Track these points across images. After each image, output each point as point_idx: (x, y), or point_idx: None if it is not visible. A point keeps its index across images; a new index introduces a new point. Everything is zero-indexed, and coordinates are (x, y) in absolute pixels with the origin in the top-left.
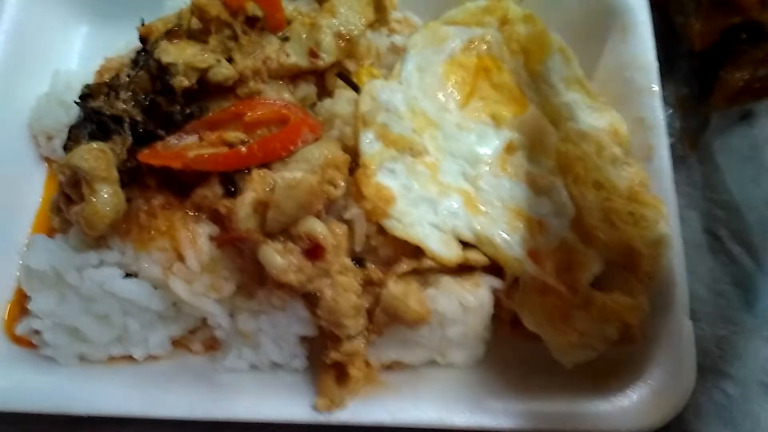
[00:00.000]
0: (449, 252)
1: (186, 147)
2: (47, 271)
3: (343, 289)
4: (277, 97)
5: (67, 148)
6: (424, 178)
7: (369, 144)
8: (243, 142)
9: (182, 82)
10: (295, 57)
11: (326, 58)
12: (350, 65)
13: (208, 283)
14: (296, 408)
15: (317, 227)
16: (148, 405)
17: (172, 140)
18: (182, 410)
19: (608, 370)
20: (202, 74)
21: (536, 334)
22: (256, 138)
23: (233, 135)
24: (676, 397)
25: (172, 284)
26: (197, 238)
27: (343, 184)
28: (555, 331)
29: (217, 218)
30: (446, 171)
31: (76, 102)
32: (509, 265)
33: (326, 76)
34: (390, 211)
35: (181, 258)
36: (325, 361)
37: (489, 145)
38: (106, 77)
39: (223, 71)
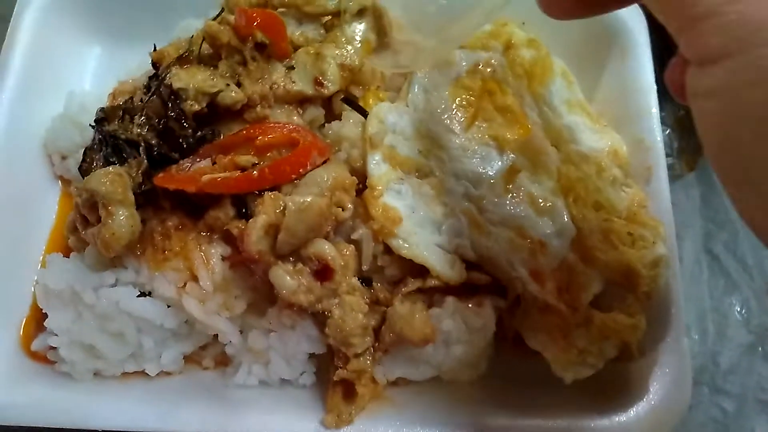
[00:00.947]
0: (453, 272)
1: (200, 171)
2: (64, 290)
3: (350, 309)
4: (287, 120)
5: (82, 169)
6: (429, 199)
7: (376, 165)
8: (254, 165)
9: (192, 106)
10: (300, 84)
11: (331, 87)
12: (356, 91)
13: (220, 302)
14: (305, 424)
15: (326, 249)
16: (162, 420)
17: (186, 164)
18: (195, 425)
19: (607, 387)
20: (212, 98)
21: (537, 351)
22: (267, 161)
23: (245, 158)
24: (674, 413)
25: (185, 303)
26: (210, 258)
27: (350, 206)
28: (555, 349)
29: (230, 239)
30: (451, 192)
31: (91, 125)
32: (511, 284)
33: (333, 100)
34: (396, 231)
35: (194, 278)
36: (332, 378)
37: (492, 167)
38: (120, 100)
39: (232, 95)
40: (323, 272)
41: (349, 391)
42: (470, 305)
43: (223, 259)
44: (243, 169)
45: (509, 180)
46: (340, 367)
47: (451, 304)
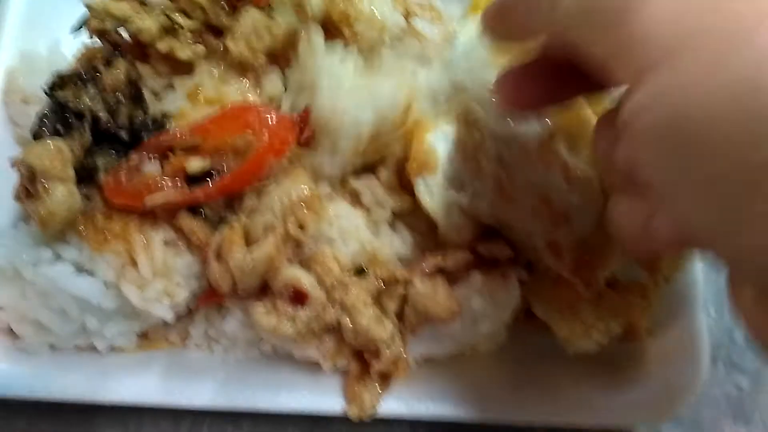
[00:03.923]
0: (456, 237)
1: (146, 182)
2: (5, 265)
3: (354, 307)
4: (242, 99)
5: (36, 136)
6: (467, 152)
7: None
8: (205, 174)
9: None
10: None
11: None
12: (345, 29)
13: (160, 289)
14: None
15: (293, 274)
16: (166, 394)
17: (134, 161)
18: (202, 400)
19: (622, 363)
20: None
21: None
22: (218, 162)
23: (195, 165)
24: (690, 389)
25: (124, 289)
26: (151, 242)
27: (312, 224)
28: (562, 320)
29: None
30: (486, 152)
31: (45, 92)
32: (524, 249)
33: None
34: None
35: (134, 262)
36: (355, 369)
37: (529, 130)
38: (80, 66)
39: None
40: (298, 297)
41: (365, 373)
42: (495, 278)
43: (165, 243)
44: (192, 177)
45: (544, 146)
46: (375, 363)
47: (478, 280)
